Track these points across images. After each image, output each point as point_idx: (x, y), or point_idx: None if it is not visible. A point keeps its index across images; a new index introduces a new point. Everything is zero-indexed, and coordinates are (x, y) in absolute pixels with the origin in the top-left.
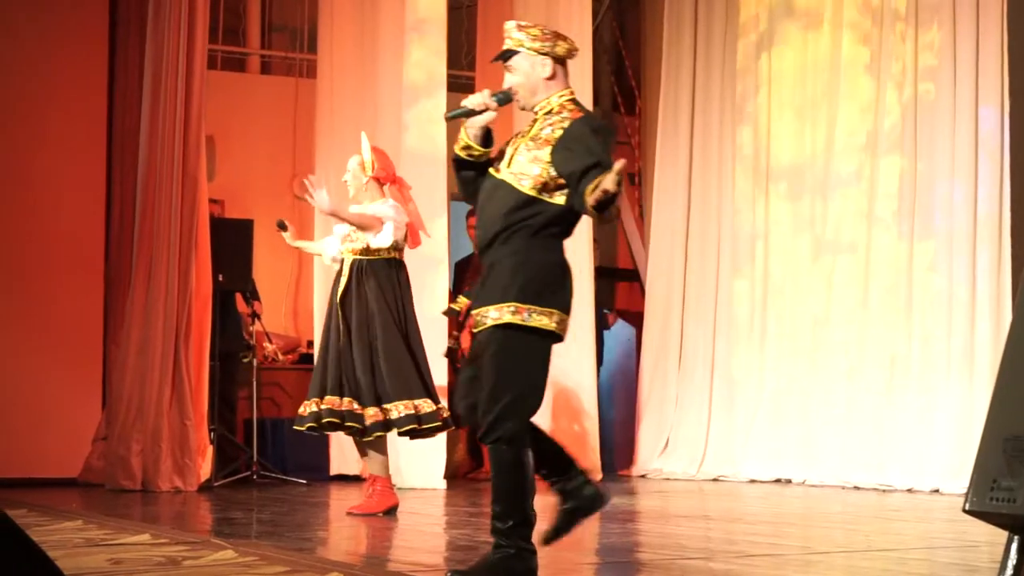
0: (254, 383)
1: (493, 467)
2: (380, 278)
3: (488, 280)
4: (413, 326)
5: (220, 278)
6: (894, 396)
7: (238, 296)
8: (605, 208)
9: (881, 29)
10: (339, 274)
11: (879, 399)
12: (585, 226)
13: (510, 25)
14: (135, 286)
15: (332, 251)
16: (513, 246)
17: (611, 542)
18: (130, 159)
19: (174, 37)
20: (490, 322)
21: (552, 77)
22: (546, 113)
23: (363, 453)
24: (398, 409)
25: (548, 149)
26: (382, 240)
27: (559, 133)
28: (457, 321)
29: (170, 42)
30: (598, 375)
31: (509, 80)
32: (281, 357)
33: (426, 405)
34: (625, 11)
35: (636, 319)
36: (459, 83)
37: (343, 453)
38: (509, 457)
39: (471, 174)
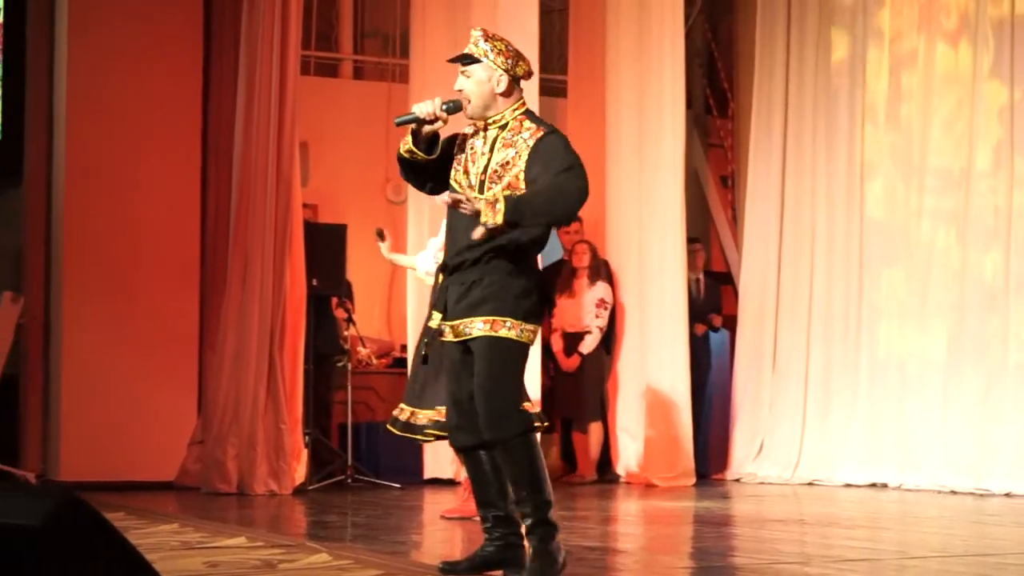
0: (348, 387)
1: (511, 462)
2: None
3: (473, 292)
4: None
5: (314, 282)
6: (991, 399)
7: (334, 300)
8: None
9: (976, 26)
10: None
11: (976, 402)
12: (677, 230)
13: (477, 33)
14: (230, 291)
15: (426, 265)
16: (500, 265)
17: (705, 546)
18: (225, 165)
19: (268, 44)
20: (477, 333)
21: (506, 94)
22: (500, 127)
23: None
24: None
25: (521, 175)
26: None
27: (526, 155)
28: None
29: (264, 49)
30: (696, 379)
31: (463, 83)
32: (375, 361)
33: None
34: (717, 13)
35: (730, 322)
36: (551, 86)
37: (436, 457)
38: (526, 448)
39: (413, 172)
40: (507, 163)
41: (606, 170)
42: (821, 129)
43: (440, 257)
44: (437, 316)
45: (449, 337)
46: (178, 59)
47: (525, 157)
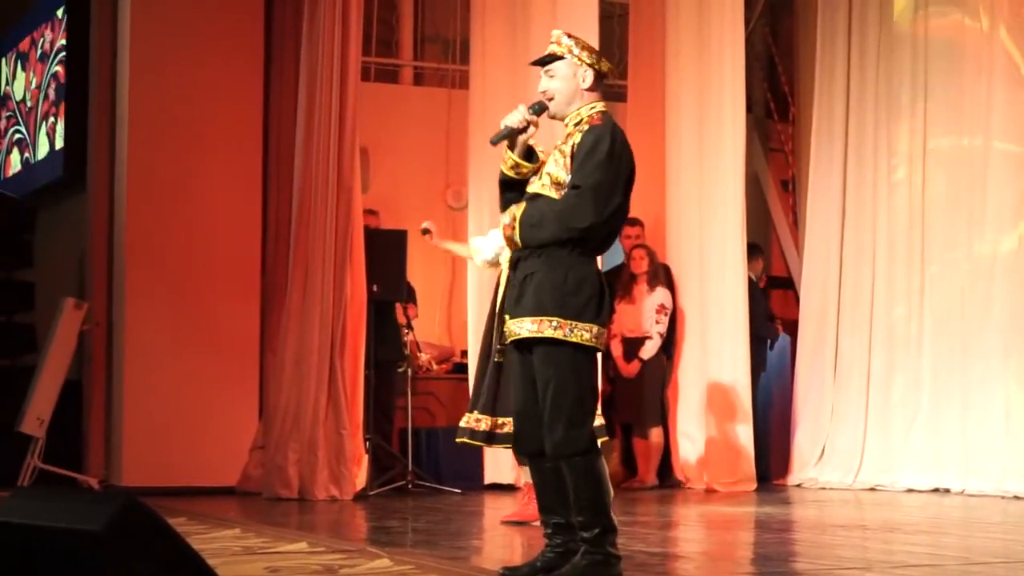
0: (409, 393)
1: (571, 479)
2: None
3: (525, 292)
4: None
5: (375, 288)
6: None
7: (398, 307)
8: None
9: None
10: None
11: None
12: (737, 234)
13: (559, 32)
14: (291, 296)
15: (488, 252)
16: (549, 260)
17: (767, 551)
18: (286, 171)
19: (328, 50)
20: (526, 334)
21: (591, 89)
22: (576, 124)
23: (520, 462)
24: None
25: (569, 160)
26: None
27: (578, 139)
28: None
29: (324, 55)
30: (756, 384)
31: (547, 84)
32: (435, 367)
33: None
34: (778, 17)
35: (791, 327)
36: (611, 92)
37: (497, 462)
38: (584, 467)
39: (515, 195)
40: (564, 151)
41: (666, 175)
42: (883, 133)
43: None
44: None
45: (509, 338)
46: (239, 66)
47: (576, 141)
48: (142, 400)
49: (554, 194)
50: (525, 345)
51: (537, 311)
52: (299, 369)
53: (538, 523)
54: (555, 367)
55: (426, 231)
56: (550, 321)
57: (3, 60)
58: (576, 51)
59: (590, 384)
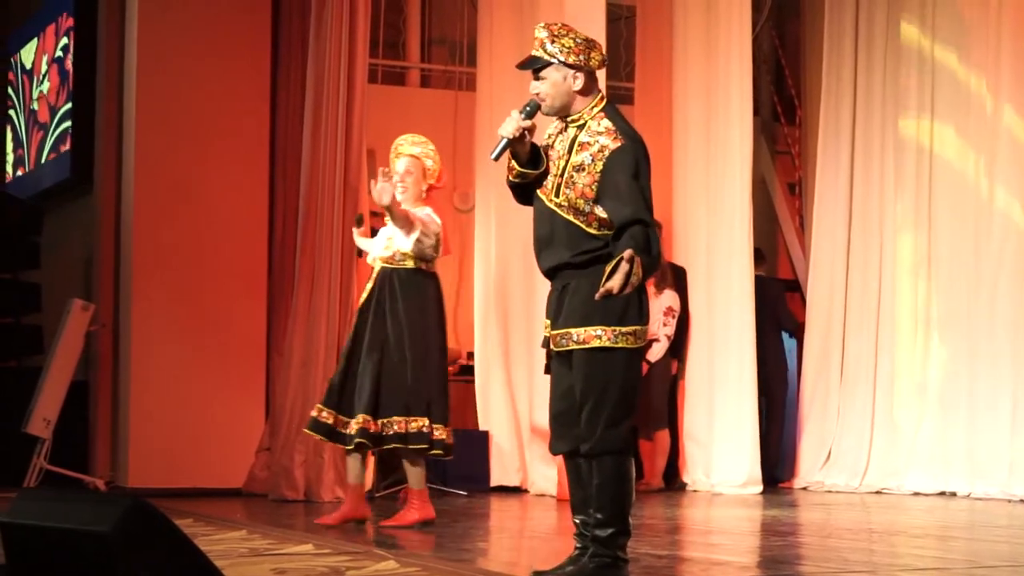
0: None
1: (597, 477)
2: (405, 290)
3: (565, 302)
4: (434, 343)
5: None
6: None
7: None
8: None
9: None
10: (371, 280)
11: None
12: (744, 237)
13: (543, 35)
14: (298, 298)
15: (376, 251)
16: (587, 272)
17: (773, 555)
18: (292, 173)
19: (335, 52)
20: (573, 345)
21: (584, 91)
22: (579, 126)
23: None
24: (391, 426)
25: (594, 186)
26: (409, 243)
27: (600, 167)
28: None
29: (331, 57)
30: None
31: (538, 87)
32: None
33: (414, 424)
34: (784, 20)
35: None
36: (618, 95)
37: (503, 465)
38: (612, 469)
39: (528, 194)
40: (581, 167)
41: (673, 177)
42: (889, 136)
43: (379, 253)
44: (547, 324)
45: (554, 348)
46: (246, 68)
47: (599, 169)
48: (148, 401)
49: (572, 218)
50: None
51: (583, 322)
52: (306, 371)
53: (419, 527)
54: (602, 369)
55: (359, 223)
56: (595, 331)
57: (11, 61)
58: (561, 57)
59: (633, 384)
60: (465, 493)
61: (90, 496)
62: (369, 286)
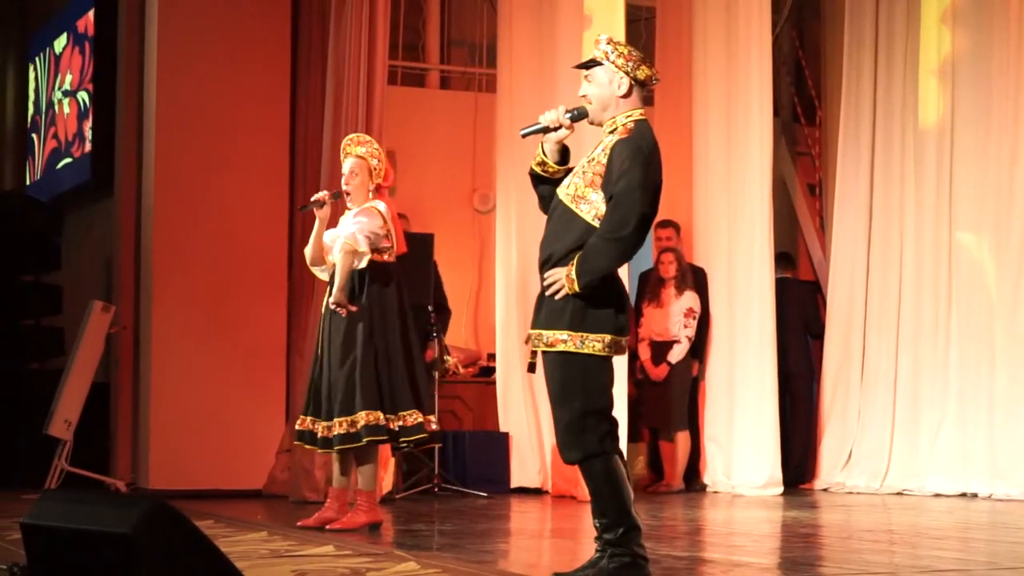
0: (436, 396)
1: (588, 483)
2: (372, 285)
3: (544, 303)
4: (392, 336)
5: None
6: None
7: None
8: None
9: None
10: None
11: None
12: (764, 238)
13: (602, 37)
14: (318, 299)
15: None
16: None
17: (794, 556)
18: (312, 174)
19: (355, 54)
20: (542, 346)
21: (626, 96)
22: (611, 131)
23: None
24: (339, 425)
25: (599, 177)
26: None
27: (604, 157)
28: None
29: (351, 59)
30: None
31: (585, 89)
32: (462, 370)
33: (362, 419)
34: (805, 20)
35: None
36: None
37: (524, 466)
38: (599, 469)
39: (547, 188)
40: (592, 158)
41: (693, 179)
42: (910, 136)
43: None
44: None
45: (531, 348)
46: (266, 70)
47: (604, 160)
48: (169, 403)
49: (574, 207)
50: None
51: (549, 324)
52: None
53: (368, 530)
54: (561, 374)
55: (321, 204)
56: (560, 334)
57: (30, 64)
58: (612, 57)
59: (598, 390)
60: (485, 494)
61: (111, 498)
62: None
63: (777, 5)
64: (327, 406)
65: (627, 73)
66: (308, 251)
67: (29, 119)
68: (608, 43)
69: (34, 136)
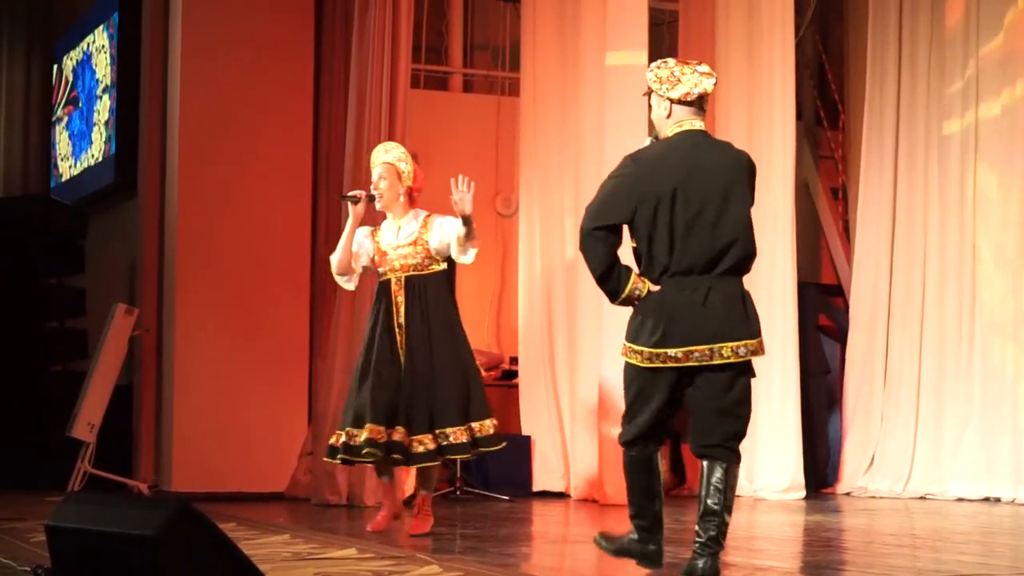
0: None
1: (728, 486)
2: (439, 294)
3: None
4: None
5: None
6: None
7: None
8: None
9: None
10: (389, 292)
11: None
12: (787, 242)
13: (651, 66)
14: (340, 302)
15: (364, 260)
16: None
17: (816, 560)
18: (335, 177)
19: (378, 57)
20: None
21: (669, 115)
22: None
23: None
24: (457, 433)
25: None
26: (470, 257)
27: None
28: None
29: (374, 62)
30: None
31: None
32: (484, 374)
33: (477, 427)
34: (828, 24)
35: (841, 335)
36: None
37: (547, 469)
38: (624, 460)
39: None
40: None
41: None
42: (933, 140)
43: (398, 261)
44: None
45: None
46: (289, 72)
47: None
48: (192, 405)
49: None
50: None
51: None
52: (348, 375)
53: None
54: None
55: (357, 199)
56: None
57: (55, 67)
58: (652, 84)
59: (630, 391)
60: (507, 498)
61: (135, 500)
62: (402, 300)
63: (800, 8)
64: (417, 415)
65: (663, 96)
66: (336, 257)
67: (53, 121)
68: (649, 70)
69: (58, 138)
